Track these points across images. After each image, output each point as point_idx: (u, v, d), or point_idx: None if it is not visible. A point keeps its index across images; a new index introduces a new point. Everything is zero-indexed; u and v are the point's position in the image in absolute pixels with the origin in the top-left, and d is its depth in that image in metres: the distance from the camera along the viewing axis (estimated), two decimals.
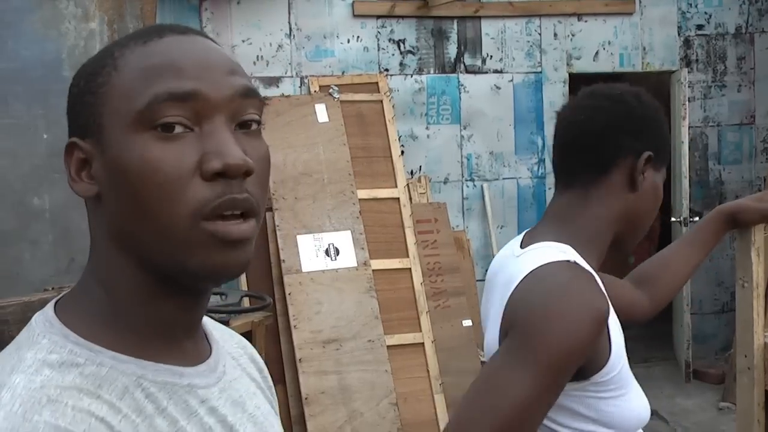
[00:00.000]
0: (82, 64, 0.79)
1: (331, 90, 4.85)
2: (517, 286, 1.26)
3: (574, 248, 1.31)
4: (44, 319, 0.74)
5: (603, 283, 1.31)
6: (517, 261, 1.32)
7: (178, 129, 0.71)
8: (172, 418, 0.73)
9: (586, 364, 1.22)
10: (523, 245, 1.36)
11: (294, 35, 5.21)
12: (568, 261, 1.26)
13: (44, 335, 0.72)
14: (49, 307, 0.76)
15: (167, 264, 0.73)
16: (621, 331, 1.31)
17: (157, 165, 0.70)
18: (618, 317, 1.36)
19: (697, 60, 5.87)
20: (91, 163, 0.75)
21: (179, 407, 0.74)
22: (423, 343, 4.40)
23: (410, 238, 4.60)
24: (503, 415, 1.13)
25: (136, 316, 0.75)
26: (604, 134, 1.36)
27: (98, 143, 0.74)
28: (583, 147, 1.38)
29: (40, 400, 0.65)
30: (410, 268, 4.55)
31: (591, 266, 1.30)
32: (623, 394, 1.28)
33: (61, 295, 0.79)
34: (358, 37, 5.30)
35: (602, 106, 1.40)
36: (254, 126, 0.76)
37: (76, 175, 0.76)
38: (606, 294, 1.24)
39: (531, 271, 1.26)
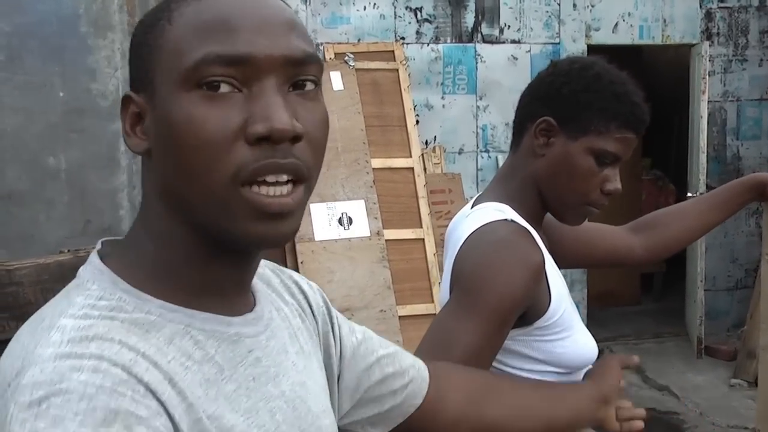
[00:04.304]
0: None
1: (346, 58, 4.81)
2: (463, 244, 1.37)
3: (511, 206, 1.42)
4: (92, 268, 0.75)
5: (589, 229, 1.61)
6: (466, 221, 1.42)
7: (225, 88, 0.70)
8: (219, 366, 0.73)
9: (529, 310, 1.33)
10: (473, 206, 1.47)
11: (310, 2, 5.16)
12: (506, 219, 1.37)
13: (93, 281, 0.73)
14: (94, 256, 0.76)
15: (211, 227, 0.73)
16: (561, 278, 1.43)
17: (202, 124, 0.69)
18: (603, 262, 1.70)
19: (718, 33, 5.78)
20: (144, 117, 0.74)
21: (226, 356, 0.75)
22: (435, 314, 4.39)
23: (424, 209, 4.59)
24: (455, 361, 1.22)
25: (185, 272, 0.75)
26: (522, 99, 1.47)
27: (150, 98, 0.73)
28: (515, 112, 1.49)
29: (87, 336, 0.66)
30: (423, 239, 4.54)
31: (527, 222, 1.40)
32: (569, 335, 1.39)
33: (103, 245, 0.79)
34: (374, 4, 5.24)
35: (540, 73, 1.48)
36: (310, 86, 0.74)
37: (131, 129, 0.75)
38: (541, 246, 1.37)
39: (474, 231, 1.37)
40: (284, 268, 0.96)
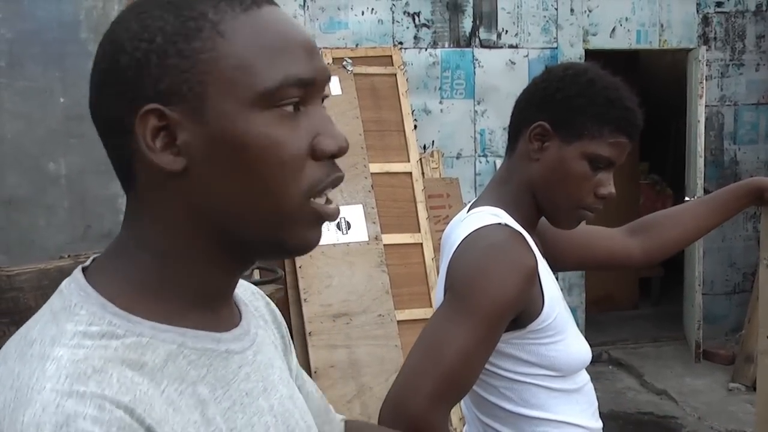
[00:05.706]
0: (135, 20, 0.71)
1: (344, 62, 4.82)
2: (457, 248, 1.38)
3: (506, 210, 1.43)
4: (77, 288, 0.72)
5: (585, 231, 1.61)
6: (461, 225, 1.43)
7: (290, 108, 0.72)
8: (212, 385, 0.73)
9: (522, 314, 1.35)
10: (469, 210, 1.48)
11: (308, 6, 5.17)
12: (500, 223, 1.39)
13: (81, 306, 0.70)
14: (79, 274, 0.74)
15: (263, 239, 0.74)
16: (555, 281, 1.44)
17: (283, 144, 0.71)
18: (600, 264, 1.72)
19: (715, 38, 5.80)
20: (176, 133, 0.70)
21: (218, 374, 0.74)
22: None
23: (422, 213, 4.59)
24: (447, 364, 1.24)
25: (185, 285, 0.74)
26: (517, 104, 1.48)
27: (194, 113, 0.70)
28: (510, 117, 1.50)
29: (86, 371, 0.64)
30: (422, 243, 4.54)
31: (522, 226, 1.42)
32: (562, 339, 1.40)
33: (88, 261, 0.77)
34: (372, 9, 5.25)
35: (535, 78, 1.49)
36: (325, 101, 0.79)
37: (154, 144, 0.71)
38: (535, 250, 1.38)
39: (468, 235, 1.38)
40: (248, 284, 0.96)
